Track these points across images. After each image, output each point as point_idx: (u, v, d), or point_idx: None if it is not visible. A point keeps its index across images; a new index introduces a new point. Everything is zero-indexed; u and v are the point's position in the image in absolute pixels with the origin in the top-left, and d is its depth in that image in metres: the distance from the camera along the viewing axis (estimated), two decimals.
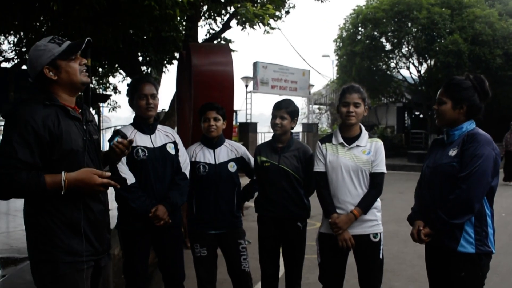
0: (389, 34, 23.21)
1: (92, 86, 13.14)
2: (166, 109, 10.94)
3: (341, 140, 3.78)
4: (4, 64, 12.37)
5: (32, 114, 2.51)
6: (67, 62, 2.66)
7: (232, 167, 4.17)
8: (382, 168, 3.72)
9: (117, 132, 2.88)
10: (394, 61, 25.41)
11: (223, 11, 10.93)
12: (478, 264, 3.08)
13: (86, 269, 2.67)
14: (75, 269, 2.61)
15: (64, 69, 2.65)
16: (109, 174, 2.62)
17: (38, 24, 7.38)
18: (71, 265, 2.60)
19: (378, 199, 3.77)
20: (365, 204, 3.66)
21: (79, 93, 2.89)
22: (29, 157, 2.48)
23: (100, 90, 14.92)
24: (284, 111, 4.11)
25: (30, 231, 2.64)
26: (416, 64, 24.78)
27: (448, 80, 3.30)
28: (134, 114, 3.98)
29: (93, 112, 15.63)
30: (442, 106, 3.21)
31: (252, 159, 4.33)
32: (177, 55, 9.67)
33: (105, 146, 3.81)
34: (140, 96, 3.81)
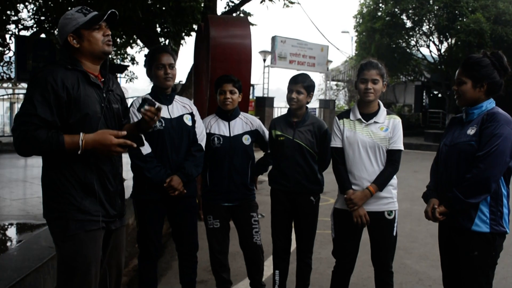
0: (410, 11, 22.90)
1: (110, 56, 13.16)
2: (183, 81, 10.94)
3: (359, 116, 3.75)
4: (23, 32, 12.42)
5: (53, 74, 2.64)
6: (90, 32, 2.78)
7: (246, 140, 4.17)
8: (400, 145, 3.69)
9: (145, 100, 2.88)
10: (414, 39, 25.14)
11: None
12: (492, 243, 3.07)
13: (95, 231, 2.77)
14: (84, 229, 2.72)
15: (86, 38, 2.78)
16: (125, 133, 2.70)
17: None
18: (81, 223, 2.71)
19: (395, 177, 3.75)
20: (381, 181, 3.64)
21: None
22: (49, 115, 2.60)
23: (118, 60, 14.95)
24: (301, 85, 4.08)
25: (45, 189, 2.78)
26: (437, 43, 24.50)
27: (465, 59, 3.24)
28: (151, 85, 3.98)
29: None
30: (462, 86, 3.17)
31: (267, 133, 4.32)
32: (195, 27, 9.62)
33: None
34: (158, 66, 3.80)
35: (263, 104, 21.39)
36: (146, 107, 2.84)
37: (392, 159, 3.67)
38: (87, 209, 2.73)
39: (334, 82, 36.09)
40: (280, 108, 23.90)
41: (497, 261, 3.16)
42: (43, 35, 12.41)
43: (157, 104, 2.89)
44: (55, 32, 10.82)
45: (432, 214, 3.22)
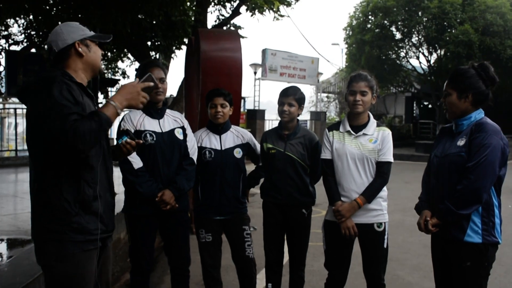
0: (399, 23, 23.08)
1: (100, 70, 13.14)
2: (175, 95, 10.95)
3: (348, 128, 3.77)
4: (13, 47, 12.41)
5: (66, 82, 2.60)
6: (95, 45, 2.86)
7: (238, 153, 4.17)
8: (389, 157, 3.70)
9: (126, 132, 2.89)
10: (404, 50, 25.31)
11: None
12: (484, 254, 3.08)
13: (92, 250, 2.71)
14: (82, 249, 2.64)
15: (93, 49, 2.83)
16: (140, 82, 2.80)
17: (47, 7, 7.39)
18: (79, 244, 2.63)
19: (385, 189, 3.75)
20: (370, 193, 3.64)
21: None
22: (81, 109, 2.56)
23: (109, 74, 14.94)
24: (292, 98, 4.10)
25: (39, 209, 2.65)
26: (426, 54, 24.68)
27: (452, 72, 3.29)
28: None
29: (101, 96, 15.68)
30: (448, 98, 3.21)
31: (258, 146, 4.33)
32: (186, 40, 9.66)
33: (113, 132, 3.81)
34: None
35: (255, 117, 21.41)
36: (127, 140, 2.85)
37: (381, 171, 3.67)
38: (86, 229, 2.65)
39: (325, 94, 36.23)
40: (272, 120, 23.95)
41: (490, 271, 3.17)
42: (33, 50, 12.41)
43: (136, 140, 2.91)
44: (46, 46, 10.82)
45: (425, 226, 3.23)
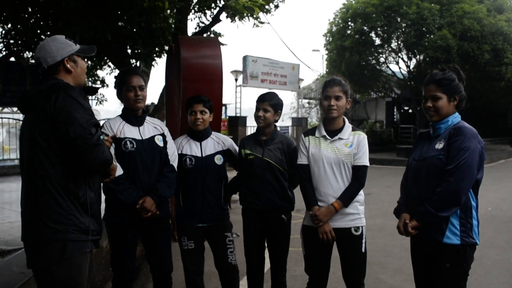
0: (379, 29, 23.25)
1: None
2: (156, 102, 10.91)
3: (324, 133, 3.79)
4: None
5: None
6: (81, 60, 3.00)
7: (218, 160, 4.17)
8: (365, 161, 3.72)
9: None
10: (384, 56, 25.48)
11: (213, 4, 10.90)
12: (463, 255, 3.13)
13: (88, 253, 2.83)
14: (80, 251, 2.75)
15: (79, 65, 2.98)
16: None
17: (26, 15, 7.33)
18: (78, 245, 2.74)
19: (361, 193, 3.78)
20: (346, 197, 3.66)
21: None
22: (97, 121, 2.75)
23: (89, 82, 14.82)
24: (268, 103, 4.12)
25: (41, 210, 2.71)
26: (405, 59, 24.87)
27: (433, 76, 3.31)
28: (122, 107, 3.97)
29: None
30: (438, 102, 3.24)
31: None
32: (166, 48, 9.63)
33: None
34: (128, 88, 3.80)
35: (236, 124, 21.41)
36: (104, 138, 2.93)
37: (357, 175, 3.70)
38: (88, 230, 2.79)
39: (306, 100, 36.34)
40: (253, 127, 23.90)
41: (470, 272, 3.21)
42: (12, 59, 12.27)
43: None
44: (25, 55, 10.72)
45: (404, 229, 3.26)
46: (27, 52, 9.72)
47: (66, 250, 2.69)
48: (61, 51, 2.87)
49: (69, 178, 2.72)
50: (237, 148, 4.36)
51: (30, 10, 7.06)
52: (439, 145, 3.19)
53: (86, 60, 3.02)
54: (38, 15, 7.03)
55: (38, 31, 7.72)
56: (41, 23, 7.40)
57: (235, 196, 4.55)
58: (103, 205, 3.85)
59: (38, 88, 2.77)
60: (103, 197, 3.80)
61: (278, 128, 4.37)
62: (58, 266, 2.69)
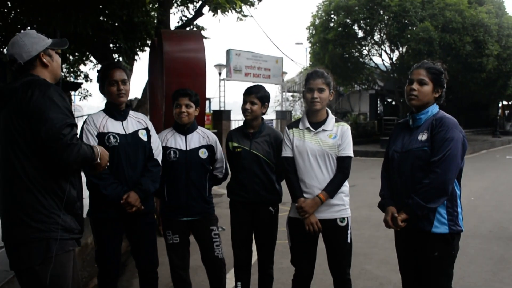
0: (361, 21, 23.27)
1: (63, 74, 12.95)
2: (139, 97, 10.85)
3: (308, 125, 3.80)
4: None
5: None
6: (55, 54, 2.95)
7: (203, 154, 4.15)
8: (349, 152, 3.74)
9: None
10: (367, 48, 25.55)
11: None
12: (451, 243, 3.18)
13: (71, 251, 2.79)
14: (64, 249, 2.71)
15: (55, 59, 2.93)
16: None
17: (6, 10, 7.24)
18: (61, 243, 2.69)
19: (346, 184, 3.79)
20: (332, 188, 3.67)
21: None
22: (74, 121, 2.71)
23: (71, 78, 14.68)
24: (254, 96, 4.12)
25: (23, 209, 2.66)
26: (388, 52, 24.96)
27: (424, 63, 3.35)
28: (105, 101, 3.94)
29: None
30: (424, 87, 3.27)
31: (219, 151, 4.32)
32: (149, 42, 9.57)
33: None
34: (110, 83, 3.77)
35: (220, 118, 21.35)
36: None
37: (342, 166, 3.71)
38: (70, 228, 2.75)
39: (290, 93, 36.37)
40: (237, 121, 23.89)
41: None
42: None
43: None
44: (5, 50, 10.60)
45: (393, 222, 3.27)
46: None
47: (50, 249, 2.65)
48: (36, 46, 2.83)
49: (49, 176, 2.67)
50: (219, 147, 4.33)
51: (9, 5, 6.96)
52: (422, 137, 3.21)
53: (65, 52, 3.01)
54: (18, 10, 6.94)
55: (19, 26, 7.63)
56: (21, 18, 7.31)
57: (220, 190, 4.54)
58: (86, 201, 3.84)
59: (13, 85, 2.71)
60: (86, 192, 3.78)
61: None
62: (43, 266, 2.65)
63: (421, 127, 3.26)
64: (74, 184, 2.81)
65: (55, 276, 2.68)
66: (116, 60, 10.31)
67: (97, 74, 3.99)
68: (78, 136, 2.72)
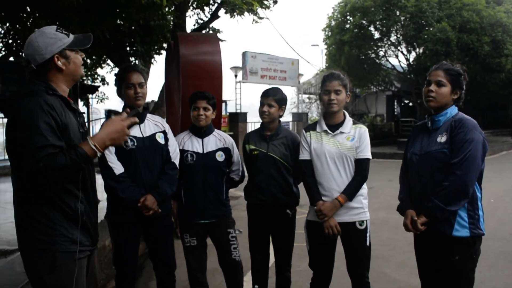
0: (378, 22, 23.20)
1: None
2: (156, 100, 10.89)
3: (325, 128, 3.78)
4: None
5: (45, 101, 2.49)
6: (75, 54, 2.71)
7: (220, 156, 4.15)
8: (367, 154, 3.72)
9: (110, 112, 2.83)
10: (383, 49, 25.46)
11: (211, 0, 10.89)
12: (472, 247, 3.13)
13: (82, 259, 2.69)
14: (72, 258, 2.62)
15: (72, 60, 2.69)
16: (125, 114, 2.66)
17: (25, 14, 7.31)
18: (70, 254, 2.60)
19: (365, 186, 3.77)
20: (350, 191, 3.66)
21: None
22: (59, 141, 2.47)
23: (88, 81, 14.81)
24: (272, 98, 4.11)
25: (28, 220, 2.59)
26: (405, 53, 24.86)
27: (442, 64, 3.31)
28: (123, 105, 3.95)
29: (82, 103, 15.51)
30: (442, 89, 3.23)
31: (236, 154, 4.32)
32: (165, 45, 9.61)
33: None
34: (127, 86, 3.77)
35: (237, 120, 21.38)
36: (113, 117, 2.73)
37: (360, 168, 3.69)
38: (80, 240, 2.64)
39: (306, 95, 36.30)
40: (254, 123, 23.91)
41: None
42: (11, 58, 12.25)
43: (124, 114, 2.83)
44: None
45: (413, 226, 3.23)
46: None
47: (56, 260, 2.57)
48: (50, 47, 2.59)
49: (56, 192, 2.55)
50: (236, 150, 4.33)
51: (28, 9, 7.03)
52: (441, 138, 3.17)
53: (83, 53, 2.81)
54: (37, 14, 7.01)
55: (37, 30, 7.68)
56: (40, 22, 7.37)
57: (238, 192, 4.54)
58: (104, 204, 3.85)
59: (19, 94, 2.56)
60: (104, 195, 3.80)
61: None
62: (50, 276, 2.58)
63: (440, 129, 3.22)
64: (82, 198, 2.67)
65: (63, 283, 2.61)
66: (133, 63, 10.36)
67: (114, 77, 4.00)
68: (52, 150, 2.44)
